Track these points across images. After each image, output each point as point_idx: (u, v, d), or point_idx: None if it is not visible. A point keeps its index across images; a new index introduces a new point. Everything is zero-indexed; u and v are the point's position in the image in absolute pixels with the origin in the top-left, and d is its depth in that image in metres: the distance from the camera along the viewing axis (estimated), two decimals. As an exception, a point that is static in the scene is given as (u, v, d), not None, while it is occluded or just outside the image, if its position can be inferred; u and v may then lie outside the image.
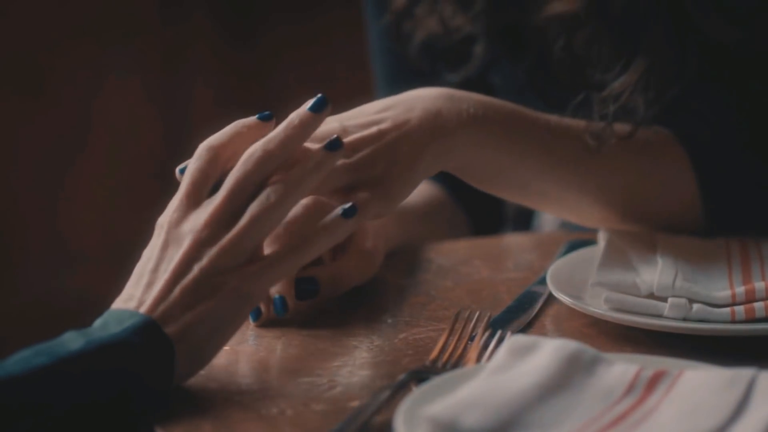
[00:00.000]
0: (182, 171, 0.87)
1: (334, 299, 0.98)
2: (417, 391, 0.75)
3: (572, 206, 1.04)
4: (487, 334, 0.89)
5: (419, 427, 0.71)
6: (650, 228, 1.06)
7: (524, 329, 0.94)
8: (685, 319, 0.90)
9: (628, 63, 0.99)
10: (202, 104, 2.28)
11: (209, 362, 0.82)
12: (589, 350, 0.78)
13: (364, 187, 0.90)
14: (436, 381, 0.77)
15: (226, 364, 0.87)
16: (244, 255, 0.82)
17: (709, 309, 0.91)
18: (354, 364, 0.87)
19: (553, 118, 1.01)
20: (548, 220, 1.33)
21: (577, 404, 0.74)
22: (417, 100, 0.95)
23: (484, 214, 1.31)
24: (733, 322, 0.90)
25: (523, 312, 0.96)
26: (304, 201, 0.93)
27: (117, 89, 2.30)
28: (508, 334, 0.90)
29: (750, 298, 0.91)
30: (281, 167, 0.85)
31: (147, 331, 0.78)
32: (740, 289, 0.92)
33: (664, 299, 0.92)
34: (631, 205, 1.04)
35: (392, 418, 0.74)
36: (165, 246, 0.82)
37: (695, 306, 0.91)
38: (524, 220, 1.35)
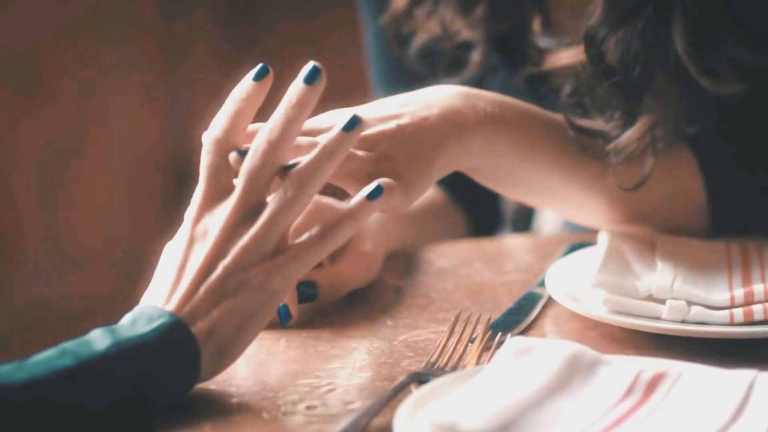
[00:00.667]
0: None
1: (334, 301, 0.98)
2: (417, 393, 0.76)
3: (579, 206, 1.04)
4: (487, 336, 0.89)
5: (419, 430, 0.71)
6: (656, 229, 1.06)
7: (524, 331, 0.94)
8: (683, 322, 0.90)
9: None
10: (202, 102, 2.28)
11: (235, 360, 0.82)
12: (589, 352, 0.78)
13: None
14: (436, 383, 0.77)
15: (227, 365, 0.87)
16: (267, 250, 0.82)
17: (708, 311, 0.91)
18: (354, 366, 0.87)
19: (563, 118, 1.01)
20: (548, 221, 1.34)
21: (577, 406, 0.74)
22: (435, 98, 0.95)
23: (482, 215, 1.31)
24: (732, 324, 0.90)
25: (523, 314, 0.96)
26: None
27: (116, 88, 2.30)
28: (508, 336, 0.90)
29: (749, 301, 0.91)
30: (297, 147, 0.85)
31: (175, 331, 0.79)
32: (739, 292, 0.92)
33: (663, 301, 0.92)
34: (638, 207, 1.04)
35: (392, 420, 0.74)
36: (190, 243, 0.82)
37: (694, 308, 0.91)
38: (524, 221, 1.35)
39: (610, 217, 1.05)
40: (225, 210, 0.82)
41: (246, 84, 0.86)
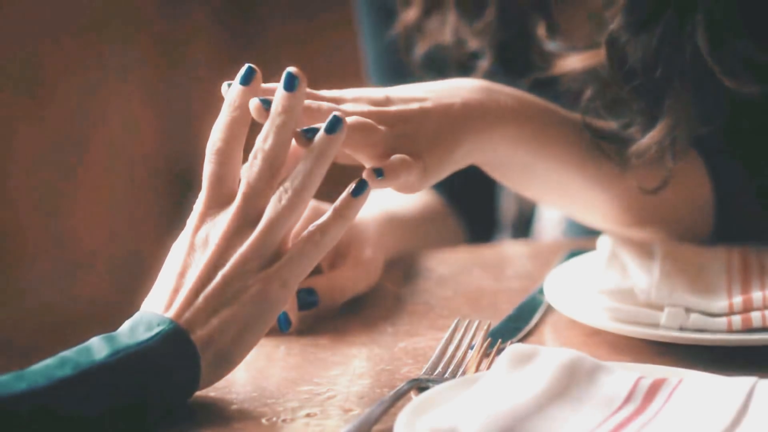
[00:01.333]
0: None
1: (334, 308, 0.99)
2: (417, 400, 0.76)
3: (591, 206, 1.04)
4: (486, 343, 0.89)
5: (419, 438, 0.72)
6: (662, 234, 1.06)
7: (524, 338, 0.94)
8: (682, 328, 0.91)
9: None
10: (202, 102, 2.28)
11: (234, 368, 0.83)
12: (588, 359, 0.78)
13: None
14: (435, 390, 0.77)
15: (227, 371, 0.88)
16: (266, 258, 0.82)
17: (706, 318, 0.91)
18: (353, 373, 0.87)
19: (581, 117, 1.01)
20: (547, 227, 1.34)
21: (576, 413, 0.74)
22: (459, 88, 0.95)
23: (479, 221, 1.31)
24: (730, 331, 0.90)
25: (522, 321, 0.97)
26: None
27: (116, 88, 2.30)
28: (508, 343, 0.90)
29: (747, 308, 0.91)
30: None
31: (175, 339, 0.79)
32: (738, 299, 0.92)
33: (662, 308, 0.92)
34: (649, 211, 1.04)
35: (392, 427, 0.74)
36: (191, 250, 0.83)
37: (692, 315, 0.91)
38: (523, 227, 1.35)
39: (620, 219, 1.05)
40: (225, 218, 0.83)
41: (236, 90, 0.86)
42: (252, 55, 2.25)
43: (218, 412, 0.81)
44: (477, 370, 0.85)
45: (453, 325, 0.92)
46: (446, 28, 1.15)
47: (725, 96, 1.01)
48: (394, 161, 0.88)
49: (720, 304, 0.92)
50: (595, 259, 1.03)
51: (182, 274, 0.82)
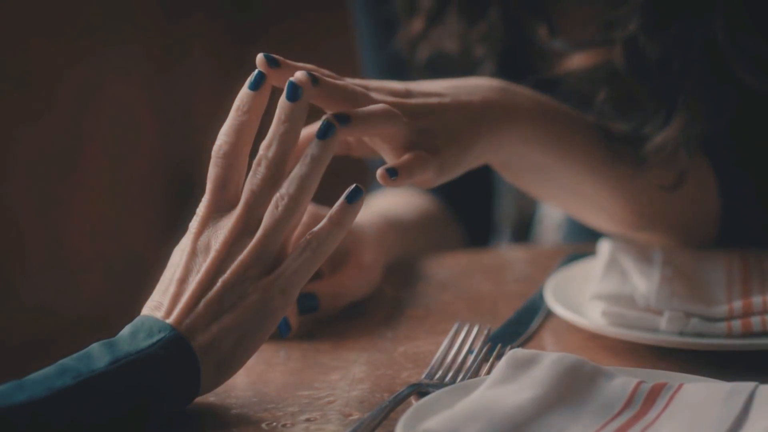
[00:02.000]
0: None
1: (334, 313, 0.99)
2: (417, 405, 0.76)
3: (601, 207, 1.04)
4: (486, 347, 0.89)
5: (419, 443, 0.72)
6: (668, 238, 1.06)
7: (524, 343, 0.94)
8: (681, 333, 0.91)
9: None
10: (202, 103, 2.28)
11: (234, 374, 0.83)
12: (588, 363, 0.78)
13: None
14: (435, 395, 0.77)
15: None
16: (266, 265, 0.82)
17: (706, 323, 0.91)
18: (353, 378, 0.87)
19: (593, 119, 1.02)
20: (547, 232, 1.34)
21: (576, 417, 0.74)
22: (477, 87, 0.96)
23: (478, 225, 1.31)
24: (730, 336, 0.90)
25: (522, 325, 0.97)
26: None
27: (116, 88, 2.30)
28: (508, 347, 0.90)
29: (747, 312, 0.91)
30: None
31: (175, 345, 0.79)
32: (738, 303, 0.92)
33: (662, 313, 0.92)
34: (658, 214, 1.04)
35: (392, 431, 0.74)
36: (192, 255, 0.83)
37: (692, 320, 0.91)
38: (524, 231, 1.35)
39: (629, 221, 1.05)
40: (227, 224, 0.83)
41: (245, 95, 0.86)
42: (252, 55, 2.24)
43: (218, 416, 0.81)
44: (477, 374, 0.85)
45: (453, 330, 0.92)
46: (451, 36, 1.15)
47: (738, 92, 1.01)
48: (408, 160, 0.88)
49: (720, 308, 0.92)
50: (595, 263, 1.03)
51: (183, 280, 0.82)
